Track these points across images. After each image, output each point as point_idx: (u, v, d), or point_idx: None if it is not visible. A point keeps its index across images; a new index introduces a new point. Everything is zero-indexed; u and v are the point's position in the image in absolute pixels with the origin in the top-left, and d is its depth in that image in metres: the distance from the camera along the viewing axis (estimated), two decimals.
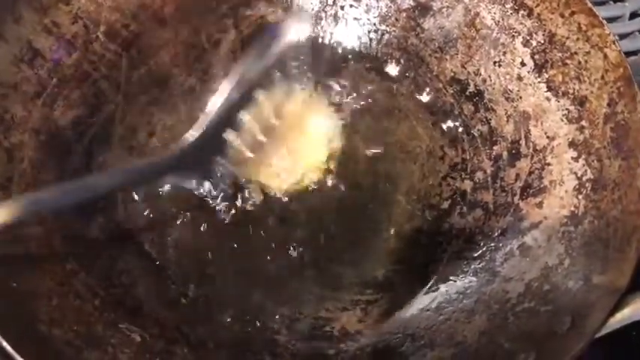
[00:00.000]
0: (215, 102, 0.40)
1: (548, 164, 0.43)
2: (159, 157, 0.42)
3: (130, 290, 0.40)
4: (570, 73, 0.43)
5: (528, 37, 0.46)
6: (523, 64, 0.46)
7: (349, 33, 0.52)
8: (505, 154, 0.46)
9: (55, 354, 0.33)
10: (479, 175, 0.46)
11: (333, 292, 0.42)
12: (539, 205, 0.43)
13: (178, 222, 0.43)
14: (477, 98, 0.48)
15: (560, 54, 0.44)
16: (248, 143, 0.42)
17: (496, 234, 0.43)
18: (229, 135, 0.41)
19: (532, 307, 0.38)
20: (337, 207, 0.45)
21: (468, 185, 0.46)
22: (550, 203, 0.42)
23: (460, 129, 0.48)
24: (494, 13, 0.47)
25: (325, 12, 0.52)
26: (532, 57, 0.46)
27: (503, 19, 0.47)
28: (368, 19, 0.51)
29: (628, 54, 0.53)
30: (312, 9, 0.52)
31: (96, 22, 0.45)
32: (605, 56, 0.41)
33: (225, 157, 0.42)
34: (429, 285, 0.43)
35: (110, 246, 0.42)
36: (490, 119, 0.47)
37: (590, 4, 0.43)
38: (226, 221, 0.44)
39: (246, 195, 0.44)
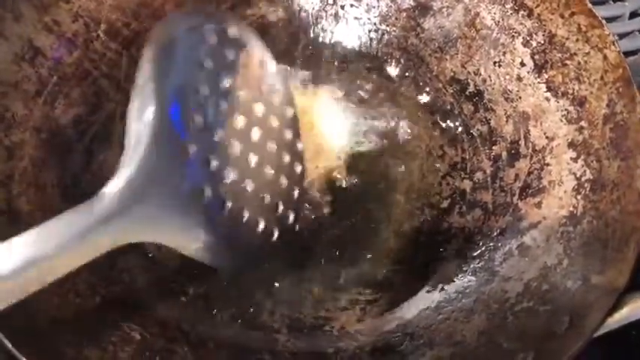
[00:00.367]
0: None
1: (548, 164, 0.44)
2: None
3: (130, 288, 0.40)
4: (570, 74, 0.43)
5: (528, 38, 0.46)
6: (523, 64, 0.46)
7: (349, 32, 0.52)
8: (504, 154, 0.46)
9: (55, 352, 0.33)
10: (478, 174, 0.46)
11: (333, 291, 0.42)
12: (538, 205, 0.43)
13: None
14: (476, 98, 0.48)
15: (559, 54, 0.44)
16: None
17: (495, 234, 0.43)
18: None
19: (531, 306, 0.38)
20: (336, 207, 0.46)
21: (467, 185, 0.46)
22: (549, 203, 0.42)
23: (460, 129, 0.48)
24: (494, 14, 0.47)
25: (326, 11, 0.52)
26: (532, 57, 0.46)
27: (503, 20, 0.47)
28: (368, 19, 0.52)
29: (627, 54, 0.53)
30: (313, 8, 0.52)
31: (96, 20, 0.45)
32: (605, 57, 0.41)
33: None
34: (428, 284, 0.43)
35: None
36: (490, 119, 0.47)
37: (590, 5, 0.43)
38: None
39: None
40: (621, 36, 0.57)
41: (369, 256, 0.44)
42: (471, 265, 0.43)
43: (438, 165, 0.47)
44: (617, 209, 0.38)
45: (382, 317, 0.41)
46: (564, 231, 0.40)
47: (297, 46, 0.52)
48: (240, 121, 0.34)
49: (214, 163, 0.32)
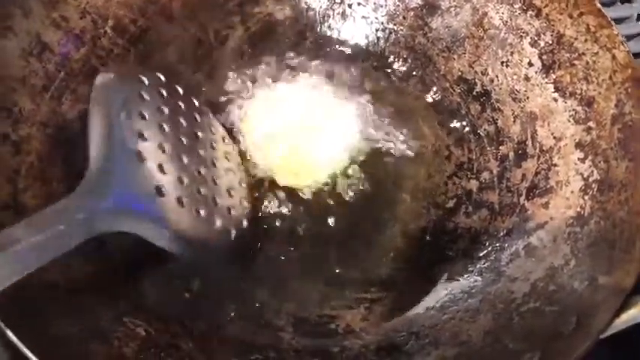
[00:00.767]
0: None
1: (555, 165, 0.43)
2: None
3: (135, 284, 0.40)
4: (578, 74, 0.43)
5: (536, 38, 0.46)
6: (531, 64, 0.46)
7: (357, 31, 0.52)
8: (511, 154, 0.46)
9: (61, 347, 0.33)
10: (485, 174, 0.46)
11: (338, 289, 0.42)
12: (545, 205, 0.43)
13: None
14: (483, 98, 0.48)
15: (568, 54, 0.44)
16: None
17: (502, 234, 0.43)
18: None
19: (537, 307, 0.38)
20: (342, 206, 0.45)
21: (473, 185, 0.46)
22: (556, 204, 0.42)
23: (467, 128, 0.48)
24: (503, 13, 0.47)
25: (333, 10, 0.52)
26: (540, 57, 0.46)
27: (511, 19, 0.47)
28: (376, 18, 0.51)
29: (636, 55, 0.53)
30: (320, 6, 0.52)
31: (104, 16, 0.45)
32: (614, 57, 0.41)
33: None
34: (433, 284, 0.42)
35: (115, 238, 0.42)
36: (497, 119, 0.47)
37: (599, 5, 0.43)
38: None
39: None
40: (629, 37, 0.57)
41: (374, 255, 0.44)
42: (477, 265, 0.42)
43: (444, 164, 0.47)
44: (625, 210, 0.38)
45: (387, 316, 0.41)
46: (571, 231, 0.40)
47: (304, 45, 0.52)
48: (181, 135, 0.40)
49: (167, 168, 0.37)
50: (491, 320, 0.39)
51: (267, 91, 0.48)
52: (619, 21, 0.58)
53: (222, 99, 0.48)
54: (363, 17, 0.52)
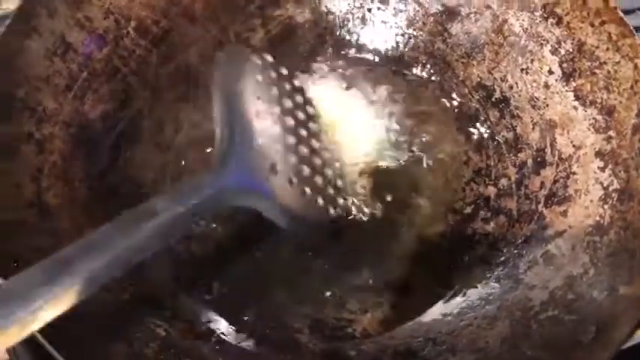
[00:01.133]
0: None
1: (574, 173, 0.43)
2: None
3: (156, 285, 0.40)
4: (599, 83, 0.43)
5: (557, 46, 0.46)
6: (551, 72, 0.46)
7: (376, 35, 0.52)
8: (530, 161, 0.46)
9: (81, 345, 0.33)
10: (503, 181, 0.46)
11: (355, 293, 0.42)
12: (564, 213, 0.43)
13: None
14: (502, 105, 0.48)
15: (589, 63, 0.44)
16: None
17: (520, 241, 0.43)
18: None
19: (556, 315, 0.38)
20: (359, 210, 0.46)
21: (491, 191, 0.46)
22: (575, 212, 0.42)
23: (485, 135, 0.48)
24: (523, 21, 0.47)
25: (353, 14, 0.52)
26: (560, 65, 0.46)
27: (531, 27, 0.47)
28: (395, 23, 0.52)
29: None
30: (340, 10, 0.52)
31: (127, 17, 0.45)
32: (636, 66, 0.41)
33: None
34: (450, 290, 0.43)
35: None
36: (516, 126, 0.47)
37: (621, 14, 0.43)
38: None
39: None
40: None
41: (392, 259, 0.44)
42: (495, 272, 0.42)
43: (462, 170, 0.47)
44: None
45: (404, 321, 0.41)
46: (590, 240, 0.40)
47: (323, 48, 0.52)
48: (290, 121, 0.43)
49: (279, 148, 0.40)
50: (509, 327, 0.39)
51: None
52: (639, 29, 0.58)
53: None
54: (383, 22, 0.52)
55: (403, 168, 0.47)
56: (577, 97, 0.44)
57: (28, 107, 0.40)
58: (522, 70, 0.47)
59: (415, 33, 0.51)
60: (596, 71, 0.43)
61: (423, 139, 0.48)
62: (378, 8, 0.52)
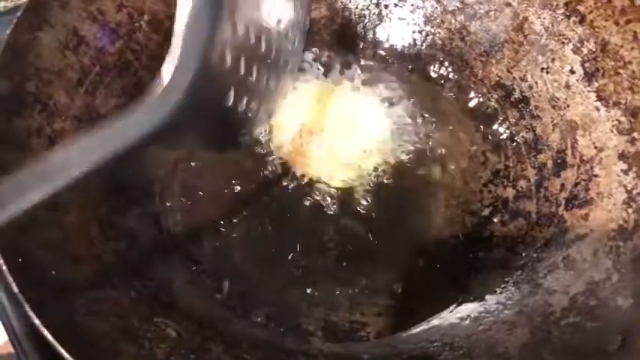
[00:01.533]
0: None
1: (596, 175, 0.42)
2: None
3: (166, 285, 0.39)
4: (623, 83, 0.42)
5: (579, 45, 0.44)
6: (572, 71, 0.45)
7: (393, 32, 0.51)
8: (550, 163, 0.45)
9: (92, 345, 0.33)
10: (522, 183, 0.45)
11: (369, 296, 0.42)
12: (585, 217, 0.41)
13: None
14: (522, 104, 0.47)
15: (612, 63, 0.43)
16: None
17: (539, 244, 0.42)
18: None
19: (578, 322, 0.36)
20: (375, 210, 0.45)
21: (510, 193, 0.45)
22: (597, 216, 0.41)
23: (504, 135, 0.47)
24: (544, 19, 0.46)
25: (369, 10, 0.51)
26: (582, 65, 0.44)
27: (553, 25, 0.46)
28: (413, 20, 0.51)
29: None
30: (356, 7, 0.51)
31: (140, 11, 0.45)
32: None
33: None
34: (467, 293, 0.42)
35: (145, 238, 0.42)
36: (535, 127, 0.46)
37: None
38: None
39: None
40: None
41: (406, 262, 0.43)
42: (514, 276, 0.41)
43: (480, 171, 0.46)
44: None
45: (420, 325, 0.40)
46: (613, 245, 0.39)
47: (339, 44, 0.51)
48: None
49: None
50: (529, 333, 0.38)
51: (300, 89, 0.48)
52: None
53: None
54: (400, 19, 0.51)
55: (418, 168, 0.46)
56: (599, 98, 0.43)
57: (39, 101, 0.39)
58: (543, 69, 0.46)
59: (433, 30, 0.50)
60: (620, 71, 0.42)
61: (440, 139, 0.47)
62: (395, 5, 0.51)
